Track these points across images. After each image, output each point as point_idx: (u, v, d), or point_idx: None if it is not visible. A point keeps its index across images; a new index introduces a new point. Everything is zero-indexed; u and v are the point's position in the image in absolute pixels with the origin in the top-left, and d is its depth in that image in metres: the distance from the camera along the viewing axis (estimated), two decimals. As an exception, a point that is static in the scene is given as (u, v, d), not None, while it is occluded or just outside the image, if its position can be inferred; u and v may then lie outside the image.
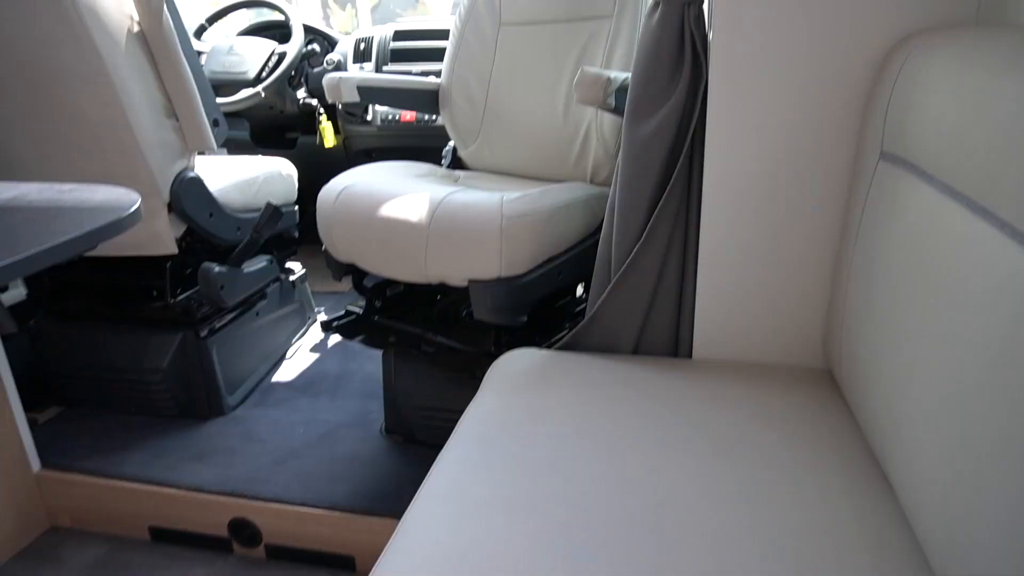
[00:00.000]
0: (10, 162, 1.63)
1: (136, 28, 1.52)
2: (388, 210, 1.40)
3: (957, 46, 0.76)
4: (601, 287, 1.24)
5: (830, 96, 0.98)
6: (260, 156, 2.14)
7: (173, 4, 1.56)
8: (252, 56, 2.43)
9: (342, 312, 1.69)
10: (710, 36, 1.03)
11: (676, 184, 1.10)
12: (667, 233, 1.14)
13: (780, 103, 1.01)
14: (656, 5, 1.07)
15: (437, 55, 2.36)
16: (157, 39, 1.54)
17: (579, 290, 1.75)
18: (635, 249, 1.14)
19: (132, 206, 0.86)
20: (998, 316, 0.56)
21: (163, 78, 1.59)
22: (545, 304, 1.58)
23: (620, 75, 1.25)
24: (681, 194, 1.12)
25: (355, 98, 1.76)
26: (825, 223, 1.04)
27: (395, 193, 1.43)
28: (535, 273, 1.37)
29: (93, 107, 1.51)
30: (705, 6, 1.07)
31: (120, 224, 0.78)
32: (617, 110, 1.27)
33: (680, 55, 1.06)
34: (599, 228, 1.48)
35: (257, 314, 2.04)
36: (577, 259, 1.46)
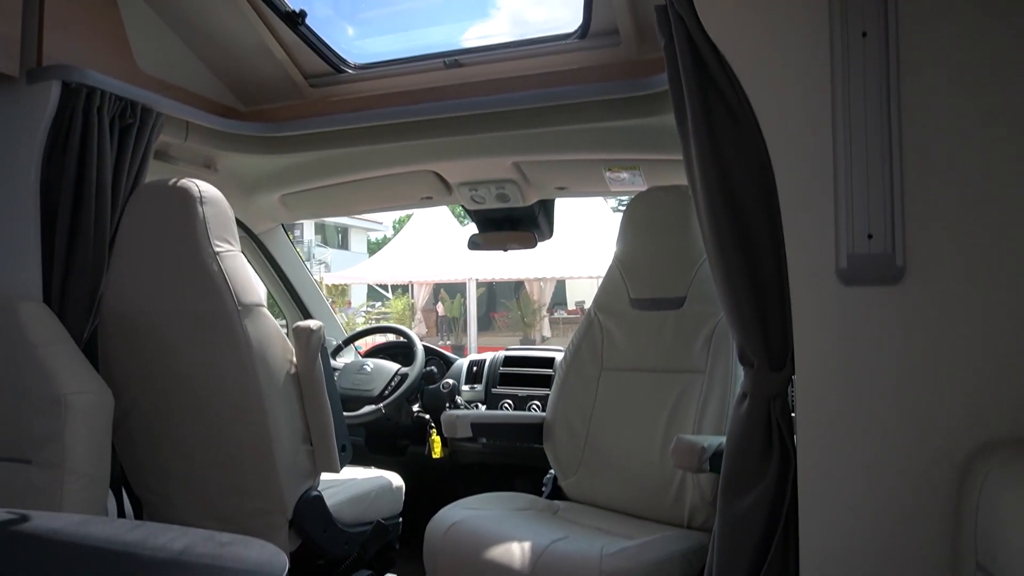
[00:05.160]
0: (164, 472, 1.85)
1: (293, 370, 1.80)
2: (493, 554, 1.47)
3: None
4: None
5: (917, 494, 1.04)
6: (372, 468, 2.31)
7: (326, 351, 1.85)
8: (379, 375, 2.74)
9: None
10: (796, 431, 1.14)
11: (773, 565, 1.13)
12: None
13: (869, 498, 1.06)
14: (744, 396, 1.21)
15: (543, 381, 2.59)
16: (308, 379, 1.81)
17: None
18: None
19: (282, 570, 0.98)
20: None
21: (306, 410, 1.83)
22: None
23: (714, 441, 1.36)
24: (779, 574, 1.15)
25: (468, 434, 1.94)
26: None
27: (500, 535, 1.52)
28: (632, 634, 1.36)
29: (245, 434, 1.74)
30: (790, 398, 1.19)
31: (270, 589, 0.90)
32: (712, 470, 1.36)
33: (769, 442, 1.17)
34: (696, 584, 1.49)
35: (349, 638, 2.04)
36: (674, 620, 1.45)
